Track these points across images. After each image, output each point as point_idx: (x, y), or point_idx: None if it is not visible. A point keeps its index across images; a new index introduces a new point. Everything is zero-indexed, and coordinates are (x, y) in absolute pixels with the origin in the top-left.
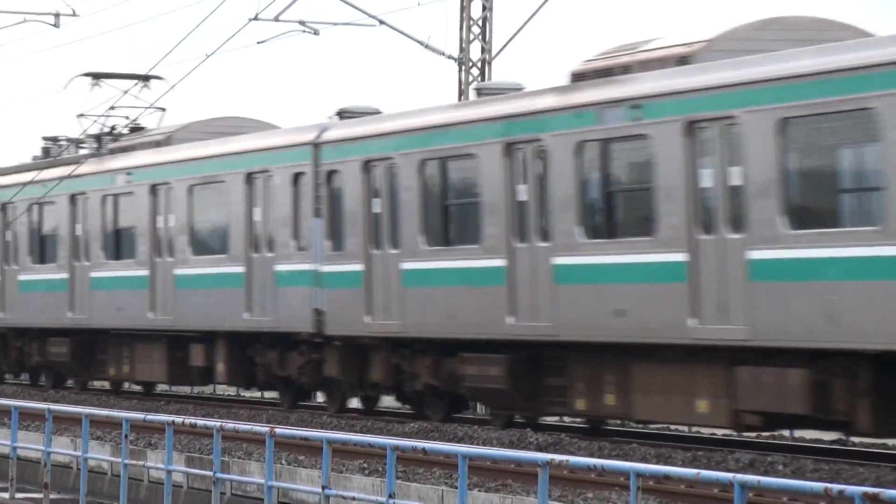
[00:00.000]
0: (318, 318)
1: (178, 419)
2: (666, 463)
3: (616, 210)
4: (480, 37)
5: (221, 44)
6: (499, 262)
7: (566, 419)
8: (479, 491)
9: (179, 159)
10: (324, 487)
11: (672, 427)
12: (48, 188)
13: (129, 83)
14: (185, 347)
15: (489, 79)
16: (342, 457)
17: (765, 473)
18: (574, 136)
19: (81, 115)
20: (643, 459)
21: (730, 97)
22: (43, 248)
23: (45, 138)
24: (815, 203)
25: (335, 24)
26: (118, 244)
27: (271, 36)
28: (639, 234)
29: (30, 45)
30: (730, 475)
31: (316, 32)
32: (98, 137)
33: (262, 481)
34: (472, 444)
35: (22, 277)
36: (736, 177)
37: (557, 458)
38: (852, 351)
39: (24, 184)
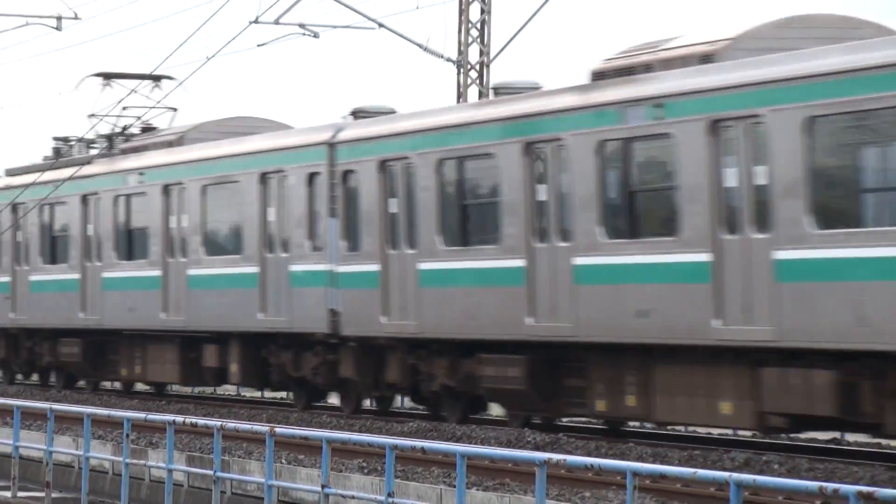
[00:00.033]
0: (334, 318)
1: (179, 419)
2: (662, 462)
3: (638, 210)
4: (479, 39)
5: (222, 46)
6: (518, 263)
7: (583, 420)
8: (478, 490)
9: (192, 159)
10: (323, 486)
11: (668, 427)
12: (60, 188)
13: (141, 83)
14: (197, 348)
15: (487, 81)
16: (342, 456)
17: (760, 472)
18: (595, 136)
19: (92, 115)
20: (640, 459)
21: (755, 96)
22: (54, 249)
23: (55, 138)
24: (842, 202)
25: (335, 27)
26: (130, 244)
27: (272, 39)
28: (662, 234)
29: (32, 49)
30: (726, 474)
31: (316, 35)
32: (110, 137)
33: (263, 480)
34: (470, 443)
35: (33, 278)
36: (761, 176)
37: (555, 457)
38: (881, 352)
39: (35, 184)
